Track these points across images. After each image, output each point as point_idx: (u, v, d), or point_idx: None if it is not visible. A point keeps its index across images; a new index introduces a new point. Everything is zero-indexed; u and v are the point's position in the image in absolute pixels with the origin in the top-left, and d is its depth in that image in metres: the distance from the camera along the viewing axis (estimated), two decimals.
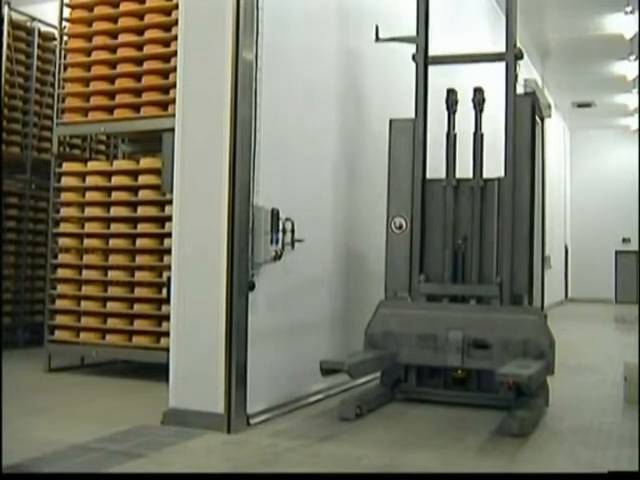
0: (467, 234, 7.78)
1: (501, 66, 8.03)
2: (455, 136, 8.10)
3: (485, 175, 7.86)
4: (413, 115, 7.97)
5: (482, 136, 8.01)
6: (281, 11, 6.83)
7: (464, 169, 8.04)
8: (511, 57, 7.97)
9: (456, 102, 8.18)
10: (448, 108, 8.18)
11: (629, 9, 16.11)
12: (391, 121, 8.08)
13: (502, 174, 7.69)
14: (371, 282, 8.53)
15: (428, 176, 7.95)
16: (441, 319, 7.41)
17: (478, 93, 8.12)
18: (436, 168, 8.04)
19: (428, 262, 7.84)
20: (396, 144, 8.00)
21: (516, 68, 7.93)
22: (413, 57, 8.13)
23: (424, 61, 8.09)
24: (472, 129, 8.07)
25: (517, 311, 7.42)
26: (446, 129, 8.12)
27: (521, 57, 8.11)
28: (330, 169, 8.18)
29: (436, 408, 7.16)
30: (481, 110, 8.07)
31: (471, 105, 8.12)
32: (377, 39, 8.49)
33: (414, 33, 8.13)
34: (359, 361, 6.98)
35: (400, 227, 7.87)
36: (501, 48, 8.23)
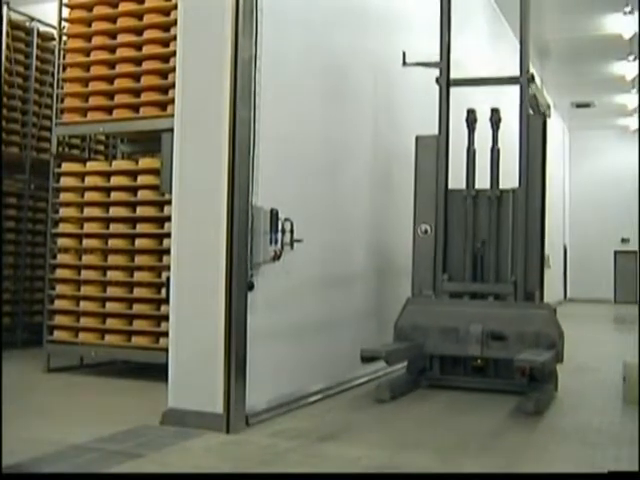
0: (485, 238, 8.69)
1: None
2: (474, 151, 8.98)
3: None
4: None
5: (498, 151, 8.91)
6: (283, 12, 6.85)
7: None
8: (525, 80, 8.78)
9: (475, 120, 9.02)
10: (468, 126, 9.03)
11: (628, 9, 16.10)
12: (417, 138, 8.92)
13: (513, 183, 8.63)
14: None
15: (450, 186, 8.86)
16: (462, 314, 8.21)
17: (495, 113, 9.01)
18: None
19: (450, 263, 8.73)
20: (422, 158, 8.87)
21: (529, 90, 8.74)
22: (437, 80, 8.98)
23: (446, 84, 8.97)
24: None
25: (530, 306, 8.31)
26: (466, 144, 9.00)
27: (533, 80, 8.95)
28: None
29: (457, 393, 7.95)
30: (497, 128, 8.95)
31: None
32: (404, 64, 9.32)
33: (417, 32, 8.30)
34: (393, 350, 7.90)
35: (425, 232, 8.73)
36: (497, 44, 8.79)
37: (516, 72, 8.86)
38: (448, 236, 8.75)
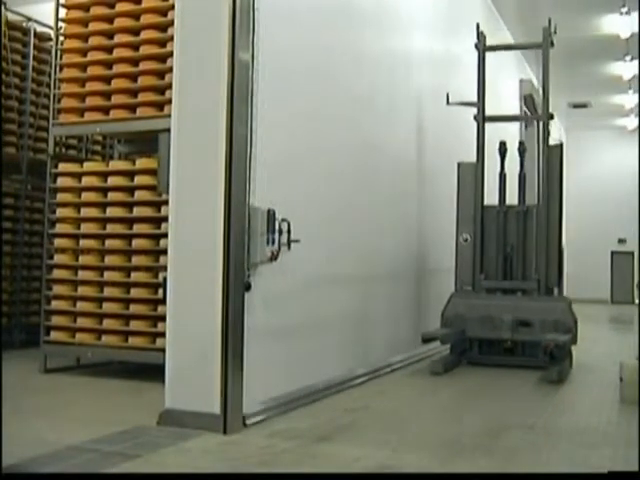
0: (513, 244, 10.79)
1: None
2: (505, 175, 11.19)
3: None
4: None
5: (524, 175, 11.19)
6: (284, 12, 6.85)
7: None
8: (545, 117, 11.02)
9: (506, 150, 11.17)
10: (500, 155, 11.21)
11: (625, 10, 16.12)
12: (459, 164, 11.03)
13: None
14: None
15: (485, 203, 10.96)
16: (496, 305, 10.30)
17: (521, 145, 11.50)
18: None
19: (486, 264, 10.81)
20: (462, 180, 10.97)
21: (549, 126, 10.94)
22: (474, 117, 11.09)
23: (482, 120, 11.14)
24: None
25: (550, 299, 10.52)
26: (499, 169, 11.25)
27: (552, 118, 10.99)
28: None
29: (492, 369, 9.91)
30: (523, 156, 11.34)
31: None
32: (448, 103, 11.27)
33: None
34: (445, 333, 10.00)
35: (466, 240, 10.82)
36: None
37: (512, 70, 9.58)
38: (484, 243, 10.84)
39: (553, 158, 10.66)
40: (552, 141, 10.89)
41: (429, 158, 11.67)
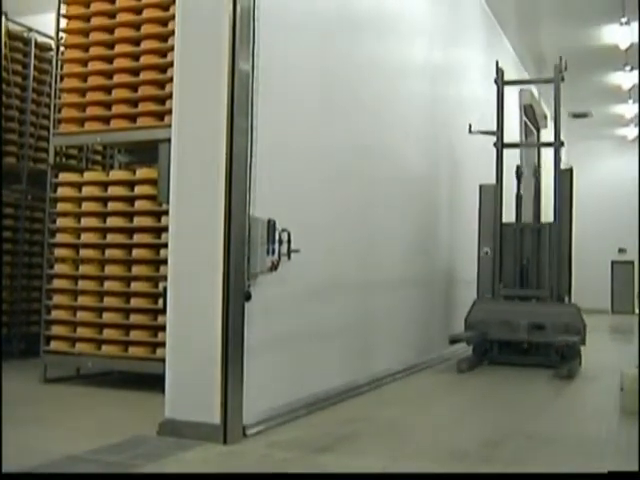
0: (529, 257, 12.19)
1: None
2: (521, 197, 12.63)
3: None
4: None
5: (539, 196, 12.57)
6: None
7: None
8: (558, 145, 12.39)
9: (522, 174, 12.68)
10: (517, 178, 12.68)
11: (624, 20, 16.16)
12: (480, 186, 12.45)
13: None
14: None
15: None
16: (513, 311, 11.57)
17: (536, 170, 12.94)
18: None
19: (504, 275, 12.14)
20: (484, 201, 12.36)
21: (560, 153, 12.33)
22: (494, 144, 12.44)
23: (501, 146, 12.50)
24: None
25: (561, 306, 11.75)
26: (515, 191, 12.71)
27: (563, 145, 12.43)
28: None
29: (509, 368, 11.10)
30: (538, 180, 12.70)
31: None
32: (470, 132, 12.48)
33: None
34: (470, 335, 11.27)
35: (487, 253, 12.16)
36: (495, 56, 9.87)
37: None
38: (503, 256, 12.16)
39: (564, 181, 12.12)
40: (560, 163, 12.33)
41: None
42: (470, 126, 12.46)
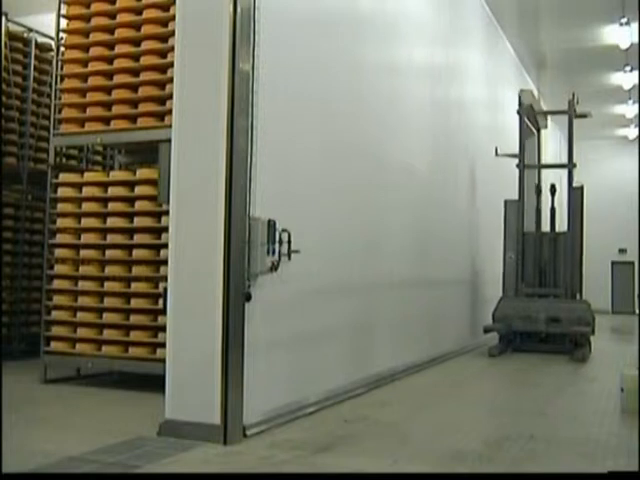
0: (547, 261, 14.41)
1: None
2: (540, 210, 14.80)
3: None
4: None
5: (554, 209, 14.74)
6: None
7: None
8: (571, 166, 14.75)
9: (540, 191, 14.85)
10: (536, 194, 14.76)
11: (624, 20, 16.16)
12: (505, 201, 14.62)
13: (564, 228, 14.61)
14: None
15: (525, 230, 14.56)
16: (534, 306, 13.53)
17: (552, 187, 14.77)
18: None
19: (526, 275, 14.32)
20: (508, 213, 14.54)
21: (573, 173, 14.58)
22: (517, 165, 14.56)
23: (523, 167, 14.68)
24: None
25: (574, 302, 13.88)
26: (535, 204, 14.81)
27: (575, 166, 14.68)
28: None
29: (531, 354, 13.14)
30: (554, 195, 14.74)
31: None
32: (496, 154, 14.88)
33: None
34: (501, 326, 13.32)
35: (511, 257, 14.29)
36: (496, 55, 9.93)
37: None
38: (525, 260, 14.34)
39: (576, 197, 14.41)
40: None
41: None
42: (496, 149, 14.84)
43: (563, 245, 14.23)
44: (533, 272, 14.33)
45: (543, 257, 14.42)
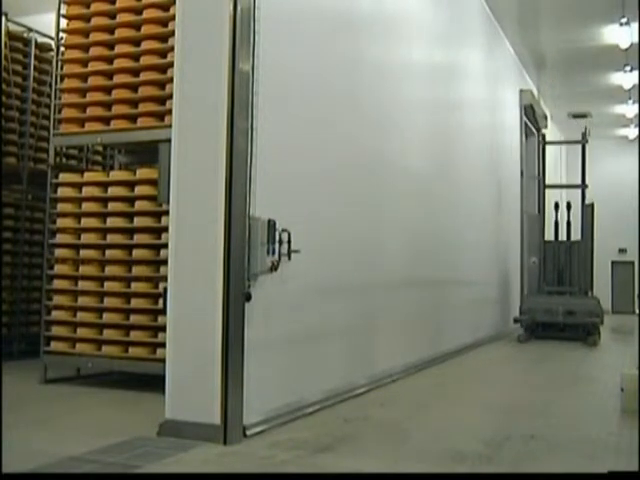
0: (564, 264, 17.48)
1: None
2: (558, 223, 17.80)
3: None
4: None
5: (570, 222, 17.74)
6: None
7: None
8: (584, 187, 18.09)
9: (558, 207, 17.59)
10: (555, 209, 17.62)
11: (624, 20, 16.15)
12: (527, 215, 18.09)
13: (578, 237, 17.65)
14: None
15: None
16: (553, 301, 16.51)
17: (569, 204, 17.57)
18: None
19: (546, 276, 17.54)
20: (529, 225, 17.90)
21: (585, 193, 18.00)
22: (537, 184, 18.64)
23: (543, 187, 18.69)
24: None
25: (586, 297, 17.01)
26: (554, 219, 17.85)
27: (587, 187, 18.06)
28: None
29: (552, 341, 15.85)
30: (569, 210, 17.71)
31: None
32: (522, 176, 18.98)
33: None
34: (528, 317, 16.21)
35: (534, 262, 17.53)
36: (495, 55, 10.09)
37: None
38: (545, 263, 17.58)
39: (587, 213, 17.36)
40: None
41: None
42: (522, 172, 18.69)
43: (577, 252, 17.34)
44: (552, 273, 17.56)
45: (561, 261, 17.58)
